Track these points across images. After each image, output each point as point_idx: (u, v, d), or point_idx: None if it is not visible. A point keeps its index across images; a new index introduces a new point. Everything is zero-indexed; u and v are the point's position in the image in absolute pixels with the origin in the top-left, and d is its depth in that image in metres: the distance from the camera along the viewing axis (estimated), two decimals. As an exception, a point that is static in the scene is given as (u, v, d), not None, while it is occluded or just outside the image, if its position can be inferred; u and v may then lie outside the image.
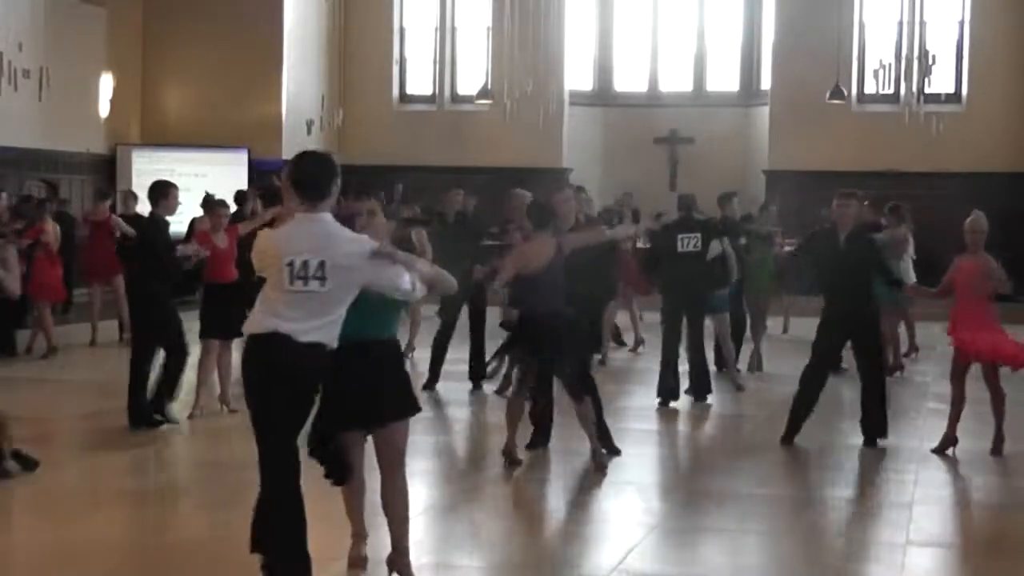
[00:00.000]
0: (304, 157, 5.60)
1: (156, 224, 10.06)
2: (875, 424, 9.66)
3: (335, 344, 5.45)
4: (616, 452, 9.04)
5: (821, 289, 10.06)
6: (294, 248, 5.35)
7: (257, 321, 5.42)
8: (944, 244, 13.96)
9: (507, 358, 8.69)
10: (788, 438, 9.57)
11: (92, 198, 16.85)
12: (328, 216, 5.48)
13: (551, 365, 8.47)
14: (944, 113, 22.57)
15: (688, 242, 11.33)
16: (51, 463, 8.35)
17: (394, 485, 5.95)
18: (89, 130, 21.47)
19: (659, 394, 11.38)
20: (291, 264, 5.32)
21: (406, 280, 5.49)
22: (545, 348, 8.38)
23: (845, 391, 11.74)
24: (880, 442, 9.61)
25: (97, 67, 21.95)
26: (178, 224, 11.48)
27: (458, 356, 12.05)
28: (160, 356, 10.02)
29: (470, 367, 11.95)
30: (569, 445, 9.34)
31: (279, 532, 5.41)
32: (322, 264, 5.31)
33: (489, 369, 9.15)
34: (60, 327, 16.51)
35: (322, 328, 5.37)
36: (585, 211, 13.14)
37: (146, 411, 9.81)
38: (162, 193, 10.02)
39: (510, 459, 8.62)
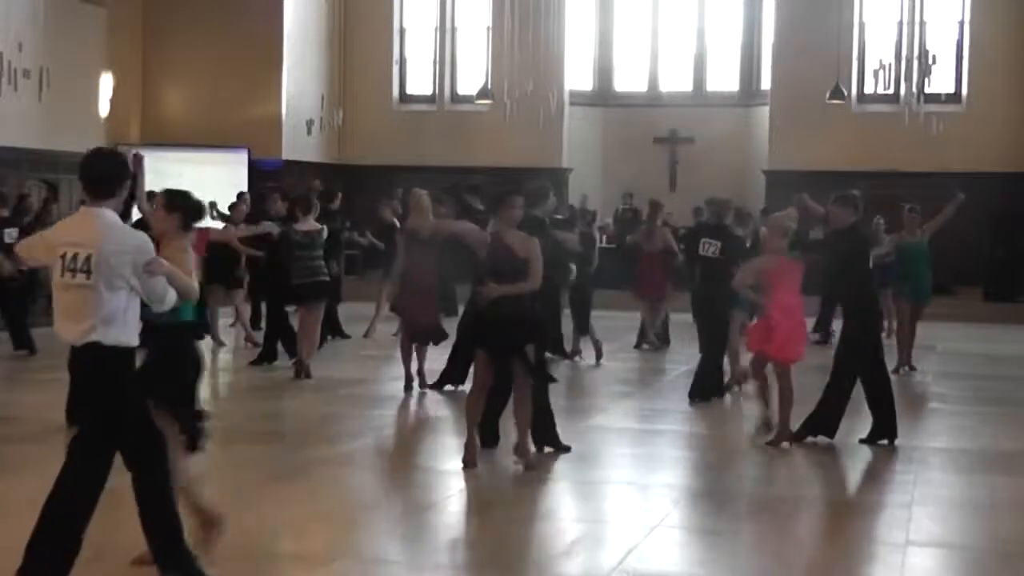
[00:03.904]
0: (95, 154, 5.65)
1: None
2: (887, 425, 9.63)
3: (131, 342, 5.41)
4: (565, 449, 8.93)
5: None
6: (69, 240, 5.36)
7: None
8: (943, 243, 13.99)
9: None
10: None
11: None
12: (110, 212, 5.46)
13: (499, 358, 8.25)
14: (944, 113, 22.59)
15: (708, 247, 11.46)
16: (48, 462, 8.32)
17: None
18: (89, 130, 21.46)
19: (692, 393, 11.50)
20: (63, 256, 5.35)
21: (166, 293, 5.49)
22: (487, 341, 8.28)
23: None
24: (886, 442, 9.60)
25: (97, 67, 21.97)
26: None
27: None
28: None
29: None
30: (568, 445, 9.34)
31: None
32: (88, 258, 5.30)
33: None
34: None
35: (99, 328, 5.31)
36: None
37: None
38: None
39: (468, 461, 8.41)
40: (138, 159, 10.02)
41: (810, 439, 9.52)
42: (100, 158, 5.60)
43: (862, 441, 9.52)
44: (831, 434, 9.53)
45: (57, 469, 5.43)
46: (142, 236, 5.57)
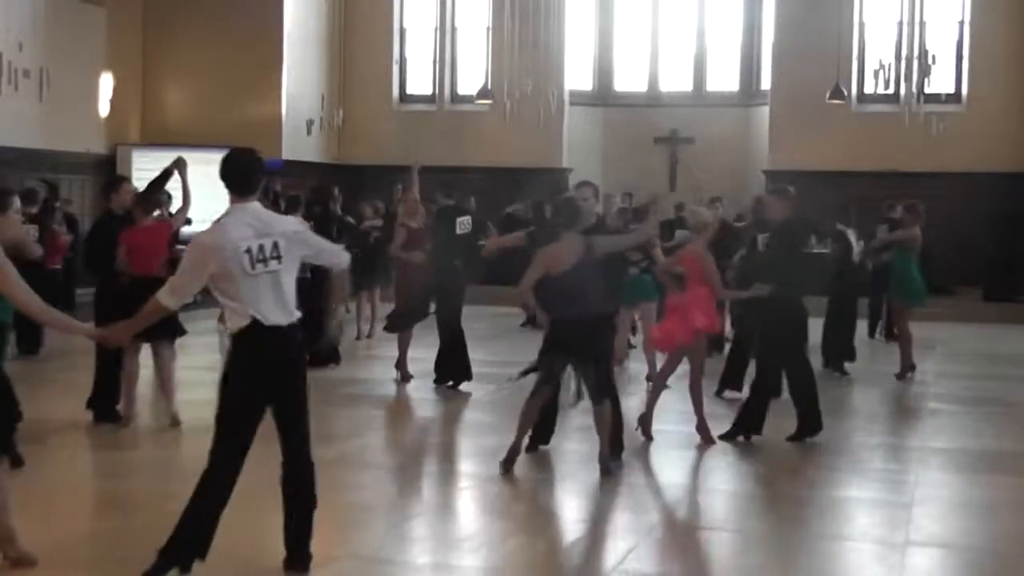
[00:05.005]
0: (241, 155, 5.89)
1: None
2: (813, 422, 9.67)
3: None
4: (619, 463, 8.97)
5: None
6: (246, 236, 5.65)
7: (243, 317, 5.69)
8: (943, 243, 14.01)
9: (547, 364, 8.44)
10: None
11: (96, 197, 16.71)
12: (259, 205, 5.86)
13: (578, 367, 8.37)
14: (944, 113, 22.56)
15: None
16: (43, 463, 8.33)
17: None
18: (89, 130, 21.48)
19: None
20: (248, 251, 5.61)
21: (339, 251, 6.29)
22: (576, 351, 8.28)
23: (842, 392, 11.77)
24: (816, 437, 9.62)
25: (97, 67, 21.96)
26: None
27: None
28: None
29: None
30: (568, 445, 9.35)
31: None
32: (276, 245, 5.69)
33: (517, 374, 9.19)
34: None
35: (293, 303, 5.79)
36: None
37: (108, 407, 9.87)
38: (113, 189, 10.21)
39: (510, 460, 8.45)
40: (182, 162, 10.24)
41: (808, 440, 9.54)
42: (246, 159, 5.86)
43: (789, 439, 9.53)
44: (758, 431, 9.54)
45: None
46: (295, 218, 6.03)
